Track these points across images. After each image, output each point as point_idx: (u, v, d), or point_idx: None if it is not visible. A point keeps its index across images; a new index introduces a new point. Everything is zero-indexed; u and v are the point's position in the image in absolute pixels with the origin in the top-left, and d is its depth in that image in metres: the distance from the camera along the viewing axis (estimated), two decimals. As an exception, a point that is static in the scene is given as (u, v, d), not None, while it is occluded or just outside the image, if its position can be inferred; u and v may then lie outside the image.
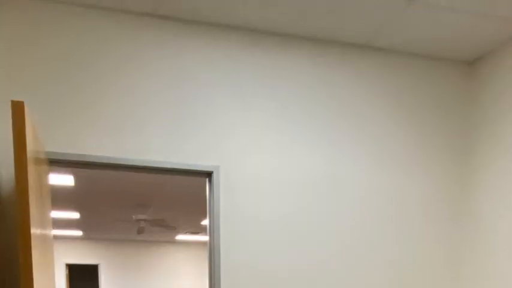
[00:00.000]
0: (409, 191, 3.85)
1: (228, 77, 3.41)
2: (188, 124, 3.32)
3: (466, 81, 3.94)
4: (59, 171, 7.01)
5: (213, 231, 3.41)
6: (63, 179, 7.40)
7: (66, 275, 16.88)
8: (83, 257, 17.08)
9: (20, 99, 2.82)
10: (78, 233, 14.92)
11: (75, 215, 11.03)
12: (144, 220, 10.79)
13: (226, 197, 3.40)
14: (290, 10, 3.25)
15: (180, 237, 15.88)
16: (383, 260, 3.77)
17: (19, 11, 2.99)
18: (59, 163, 3.06)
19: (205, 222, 11.88)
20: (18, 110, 2.08)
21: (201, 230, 13.69)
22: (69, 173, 7.10)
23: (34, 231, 2.13)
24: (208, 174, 3.42)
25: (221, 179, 3.40)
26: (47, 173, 2.90)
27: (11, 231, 2.70)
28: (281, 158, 3.52)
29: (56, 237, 15.64)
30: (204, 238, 15.64)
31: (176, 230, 13.65)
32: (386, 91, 3.77)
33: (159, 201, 9.12)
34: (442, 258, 3.93)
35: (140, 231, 11.25)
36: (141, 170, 3.30)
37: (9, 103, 2.77)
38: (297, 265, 3.56)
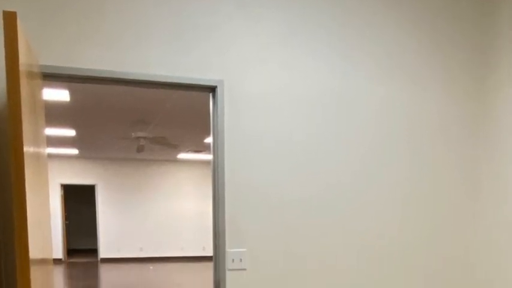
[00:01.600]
0: (425, 108, 3.87)
1: (232, -17, 3.37)
2: (190, 35, 3.31)
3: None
4: (53, 86, 7.03)
5: (217, 149, 3.46)
6: (58, 94, 7.43)
7: (61, 195, 17.25)
8: (78, 177, 17.38)
9: (12, 10, 2.80)
10: (74, 151, 15.12)
11: (70, 133, 11.14)
12: (144, 138, 10.89)
13: (230, 113, 3.43)
14: None
15: (182, 155, 16.07)
16: (396, 181, 3.83)
17: None
18: (53, 77, 3.07)
19: (209, 140, 12.00)
20: (10, 20, 2.08)
21: (204, 148, 13.83)
22: (64, 87, 7.12)
23: (27, 149, 2.15)
24: (212, 89, 3.44)
25: (225, 94, 3.42)
26: (41, 88, 2.92)
27: (3, 149, 2.73)
28: (289, 72, 3.52)
29: (50, 156, 15.89)
30: (208, 157, 15.83)
31: (178, 148, 13.80)
32: (399, 0, 3.73)
33: (159, 117, 9.18)
34: (460, 178, 4.00)
35: (140, 149, 11.38)
36: (141, 85, 3.32)
37: (1, 14, 2.76)
38: (305, 186, 3.62)
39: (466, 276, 4.03)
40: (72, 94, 7.44)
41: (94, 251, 18.54)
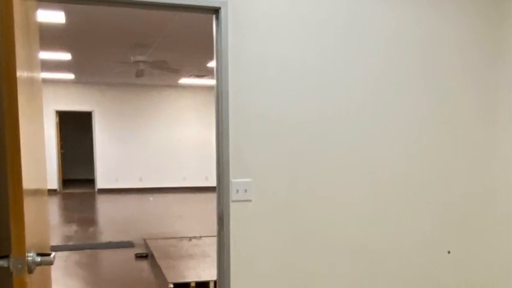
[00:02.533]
0: (441, 33, 3.83)
1: None
2: (191, -49, 3.25)
3: None
4: (48, 7, 6.96)
5: (220, 74, 3.45)
6: (53, 16, 7.35)
7: (57, 123, 17.31)
8: (75, 103, 17.39)
9: None
10: (70, 76, 15.07)
11: (66, 56, 11.08)
12: (144, 62, 10.83)
13: (235, 35, 3.40)
14: None
15: (184, 80, 16.01)
16: (410, 109, 3.83)
17: None
18: (46, -3, 3.07)
19: (212, 64, 11.91)
20: None
21: (207, 72, 13.76)
22: (60, 9, 7.05)
23: (20, 73, 2.13)
24: (216, 11, 3.40)
25: (229, 16, 3.38)
26: (35, 9, 2.90)
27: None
28: (299, -8, 3.48)
29: (44, 81, 15.86)
30: (211, 82, 15.78)
31: (179, 72, 13.73)
32: None
33: (160, 40, 9.11)
34: (477, 107, 3.98)
35: (139, 74, 11.34)
36: (141, 6, 3.29)
37: None
38: (313, 114, 3.63)
39: (484, 209, 4.08)
40: (67, 16, 7.36)
41: (91, 182, 18.78)
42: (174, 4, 3.26)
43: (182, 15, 6.92)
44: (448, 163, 3.97)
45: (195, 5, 3.31)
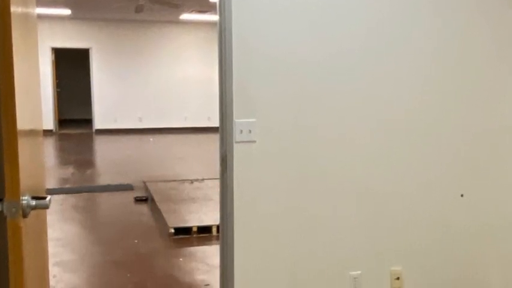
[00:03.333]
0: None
1: None
2: None
3: None
4: None
5: (223, 9, 3.39)
6: None
7: (52, 61, 17.25)
8: (71, 40, 17.29)
9: None
10: (66, 11, 14.93)
11: (58, -11, 10.93)
12: (142, -5, 10.70)
13: (239, -33, 3.34)
14: None
15: (185, 16, 15.87)
16: (422, 44, 3.77)
17: None
18: None
19: (215, -1, 11.75)
20: None
21: (209, 8, 13.62)
22: None
23: (14, 9, 2.09)
24: None
25: None
26: None
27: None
28: None
29: (40, 16, 15.70)
30: (213, 17, 15.61)
31: (180, 8, 13.58)
32: None
33: (158, -28, 8.95)
34: (490, 39, 3.91)
35: (139, 9, 11.22)
36: None
37: None
38: (321, 50, 3.58)
39: (499, 150, 4.05)
40: None
41: (88, 122, 18.82)
42: None
43: None
44: (461, 100, 3.93)
45: None
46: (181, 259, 5.73)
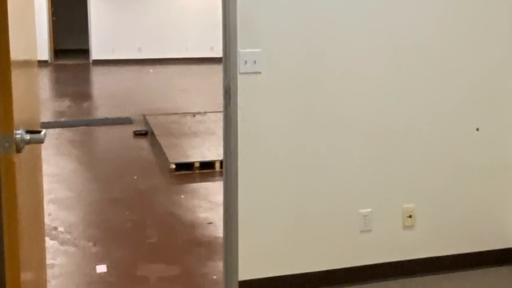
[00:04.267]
0: None
1: None
2: None
3: None
4: None
5: None
6: None
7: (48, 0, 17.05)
8: (64, -38, 17.03)
9: None
10: None
11: None
12: None
13: None
14: None
15: None
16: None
17: None
18: None
19: None
20: None
21: None
22: None
23: None
24: None
25: None
26: None
27: None
28: None
29: None
30: None
31: None
32: None
33: None
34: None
35: None
36: None
37: None
38: None
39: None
40: None
41: (85, 52, 18.67)
42: None
43: None
44: (478, 31, 3.88)
45: None
46: (182, 196, 5.75)
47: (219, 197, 4.14)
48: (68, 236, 4.68)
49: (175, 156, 6.75)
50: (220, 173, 4.69)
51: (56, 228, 4.81)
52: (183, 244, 4.62)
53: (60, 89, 12.88)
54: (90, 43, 17.76)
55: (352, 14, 3.61)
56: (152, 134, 8.07)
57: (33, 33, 2.76)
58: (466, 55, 3.87)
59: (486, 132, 3.99)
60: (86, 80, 14.49)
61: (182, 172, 6.47)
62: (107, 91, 12.65)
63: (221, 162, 4.42)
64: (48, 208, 4.99)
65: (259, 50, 3.48)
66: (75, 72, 15.76)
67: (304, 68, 3.60)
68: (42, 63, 16.63)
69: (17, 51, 2.16)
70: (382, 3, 3.65)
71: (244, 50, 3.46)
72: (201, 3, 17.91)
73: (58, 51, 19.12)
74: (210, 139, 7.56)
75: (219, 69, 3.97)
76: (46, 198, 3.91)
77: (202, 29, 17.95)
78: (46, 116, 9.39)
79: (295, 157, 3.67)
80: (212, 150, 6.92)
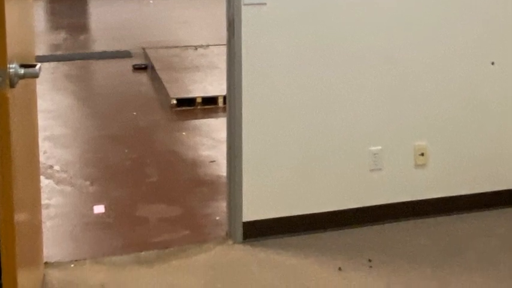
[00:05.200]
0: None
1: None
2: None
3: None
4: None
5: None
6: None
7: None
8: None
9: None
10: None
11: None
12: None
13: None
14: None
15: None
16: None
17: None
18: None
19: None
20: None
21: None
22: None
23: None
24: None
25: None
26: None
27: None
28: None
29: None
30: None
31: None
32: None
33: None
34: None
35: None
36: None
37: None
38: None
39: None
40: None
41: (82, -19, 18.42)
42: None
43: None
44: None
45: None
46: (184, 133, 5.72)
47: (222, 134, 4.12)
48: (64, 175, 4.66)
49: (177, 92, 6.68)
50: (224, 109, 4.64)
51: (51, 167, 4.79)
52: (184, 183, 4.61)
53: (56, 21, 12.72)
54: (86, -28, 17.49)
55: None
56: (152, 68, 7.99)
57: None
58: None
59: (502, 66, 3.94)
60: (83, 12, 14.30)
61: (183, 108, 6.41)
62: (104, 23, 12.49)
63: (224, 97, 4.37)
64: (43, 146, 4.92)
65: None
66: (71, 3, 15.53)
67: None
68: (36, -6, 16.45)
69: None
70: None
71: (248, -21, 3.40)
72: None
73: (53, -19, 18.88)
74: (212, 73, 7.47)
75: (222, 0, 3.89)
76: (41, 135, 3.87)
77: (205, -45, 17.65)
78: (41, 50, 9.27)
79: (303, 92, 3.64)
80: (215, 85, 6.83)
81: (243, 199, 3.64)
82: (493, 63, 3.91)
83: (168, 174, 4.79)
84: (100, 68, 8.45)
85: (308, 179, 3.73)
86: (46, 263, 3.37)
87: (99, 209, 4.11)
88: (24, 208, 2.50)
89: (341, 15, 3.62)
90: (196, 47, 9.11)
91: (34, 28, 3.03)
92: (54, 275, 3.32)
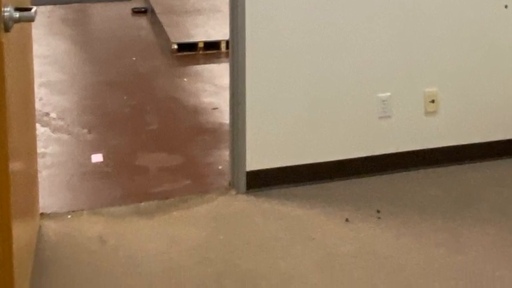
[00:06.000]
0: None
1: None
2: None
3: None
4: None
5: None
6: None
7: None
8: None
9: None
10: None
11: None
12: None
13: None
14: None
15: None
16: None
17: None
18: None
19: None
20: None
21: None
22: None
23: None
24: None
25: None
26: None
27: None
28: None
29: None
30: None
31: None
32: None
33: None
34: None
35: None
36: None
37: None
38: None
39: None
40: None
41: None
42: None
43: None
44: None
45: None
46: (185, 79, 5.66)
47: (225, 80, 4.08)
48: (60, 123, 4.61)
49: (178, 36, 6.61)
50: (226, 54, 4.61)
51: (47, 114, 4.74)
52: (185, 131, 4.56)
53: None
54: None
55: None
56: (152, 11, 7.91)
57: None
58: None
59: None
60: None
61: (185, 53, 6.35)
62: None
63: (227, 42, 4.32)
64: (39, 92, 4.91)
65: None
66: None
67: None
68: None
69: None
70: None
71: None
72: None
73: None
74: (215, 17, 7.38)
75: None
76: (37, 81, 3.84)
77: None
78: (36, -8, 9.19)
79: (308, 36, 3.58)
80: (217, 29, 6.76)
81: (247, 147, 3.61)
82: (506, 7, 3.85)
83: (169, 121, 4.75)
84: (98, 11, 8.36)
85: (314, 126, 3.70)
86: (42, 214, 3.36)
87: (97, 157, 4.07)
88: (19, 157, 2.47)
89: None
90: (198, -11, 8.99)
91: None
92: (50, 226, 3.30)
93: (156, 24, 7.45)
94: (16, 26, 2.15)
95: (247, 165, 3.63)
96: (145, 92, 5.34)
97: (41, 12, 7.64)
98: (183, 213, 3.46)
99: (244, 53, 3.50)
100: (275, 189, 3.67)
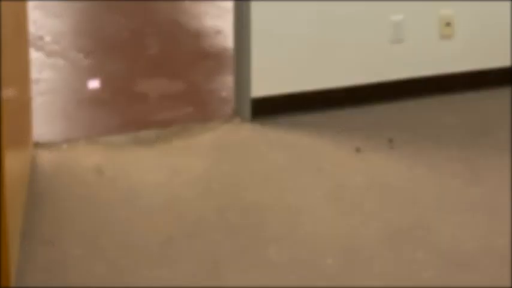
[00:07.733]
0: None
1: None
2: None
3: None
4: None
5: None
6: None
7: None
8: None
9: None
10: None
11: None
12: None
13: None
14: None
15: None
16: None
17: None
18: None
19: None
20: None
21: None
22: None
23: None
24: None
25: None
26: None
27: None
28: None
29: None
30: None
31: None
32: None
33: None
34: None
35: None
36: None
37: None
38: None
39: None
40: None
41: None
42: None
43: None
44: None
45: None
46: (187, 0, 5.51)
47: (229, 2, 3.97)
48: (55, 47, 4.53)
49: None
50: (230, -26, 4.48)
51: (41, 38, 4.65)
52: (187, 56, 4.49)
53: None
54: None
55: None
56: None
57: None
58: None
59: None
60: None
61: (187, -27, 6.23)
62: None
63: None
64: (33, 14, 4.69)
65: None
66: None
67: None
68: None
69: None
70: None
71: None
72: None
73: None
74: None
75: None
76: (30, 3, 3.72)
77: None
78: None
79: None
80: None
81: (252, 73, 3.56)
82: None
83: (170, 46, 4.67)
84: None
85: (323, 50, 3.65)
86: (36, 143, 3.30)
87: (93, 83, 4.02)
88: (12, 83, 2.43)
89: None
90: None
91: None
92: (45, 156, 3.25)
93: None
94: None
95: (252, 92, 3.58)
96: (145, 14, 5.24)
97: None
98: (185, 142, 3.41)
99: (249, -28, 3.45)
100: (282, 117, 3.63)
